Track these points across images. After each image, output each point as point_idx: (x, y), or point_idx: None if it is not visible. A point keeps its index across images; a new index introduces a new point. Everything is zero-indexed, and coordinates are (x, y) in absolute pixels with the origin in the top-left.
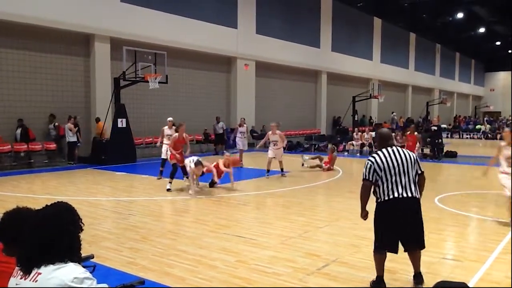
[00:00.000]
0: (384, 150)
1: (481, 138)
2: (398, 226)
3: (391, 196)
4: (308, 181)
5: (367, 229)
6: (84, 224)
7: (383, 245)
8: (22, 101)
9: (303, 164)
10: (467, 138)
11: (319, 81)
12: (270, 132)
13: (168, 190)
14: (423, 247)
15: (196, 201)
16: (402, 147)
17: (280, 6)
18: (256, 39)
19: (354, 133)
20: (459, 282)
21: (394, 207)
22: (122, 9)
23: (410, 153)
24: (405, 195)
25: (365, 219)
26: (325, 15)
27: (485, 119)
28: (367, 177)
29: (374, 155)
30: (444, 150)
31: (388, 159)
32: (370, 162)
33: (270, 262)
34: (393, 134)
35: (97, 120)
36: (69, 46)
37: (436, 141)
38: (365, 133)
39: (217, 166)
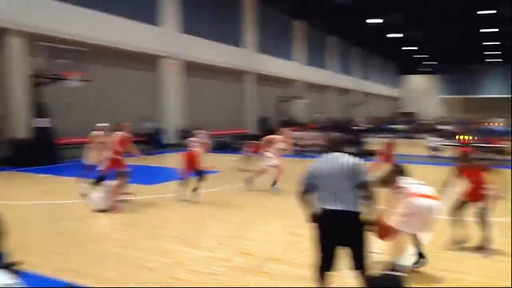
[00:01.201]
0: (327, 155)
1: (399, 138)
2: (331, 241)
3: (323, 207)
4: (240, 180)
5: (300, 227)
6: (4, 232)
7: (320, 262)
8: None
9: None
10: (385, 137)
11: (246, 82)
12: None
13: (84, 195)
14: (360, 268)
15: (128, 203)
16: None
17: (206, 6)
18: (183, 38)
19: (280, 133)
20: (394, 275)
21: (324, 220)
22: (39, 4)
23: (355, 161)
24: (337, 207)
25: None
26: (249, 17)
27: (402, 119)
28: (301, 184)
29: (315, 160)
30: (365, 149)
31: (327, 165)
32: (308, 168)
33: (206, 262)
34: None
35: None
36: None
37: (360, 141)
38: (291, 133)
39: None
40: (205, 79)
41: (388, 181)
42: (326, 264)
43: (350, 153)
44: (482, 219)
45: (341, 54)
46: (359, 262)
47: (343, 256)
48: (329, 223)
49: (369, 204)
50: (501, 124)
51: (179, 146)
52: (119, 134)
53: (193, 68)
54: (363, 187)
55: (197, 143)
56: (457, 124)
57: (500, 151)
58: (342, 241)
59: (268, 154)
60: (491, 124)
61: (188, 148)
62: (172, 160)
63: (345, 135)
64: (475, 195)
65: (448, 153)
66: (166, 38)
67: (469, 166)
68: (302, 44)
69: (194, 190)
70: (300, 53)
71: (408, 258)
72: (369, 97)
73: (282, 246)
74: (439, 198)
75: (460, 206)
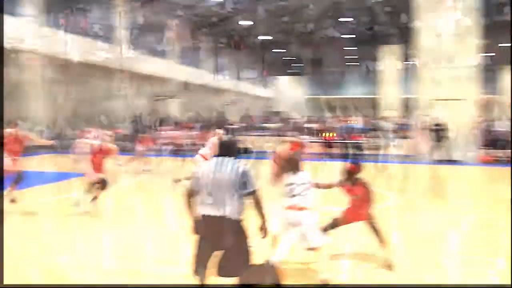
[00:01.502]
0: (215, 158)
1: (271, 136)
2: (211, 245)
3: (202, 213)
4: (124, 181)
5: (183, 229)
6: None
7: (194, 267)
8: None
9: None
10: (258, 136)
11: (119, 80)
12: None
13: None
14: (237, 272)
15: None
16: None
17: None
18: (45, 31)
19: (158, 133)
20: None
21: (203, 225)
22: None
23: (244, 168)
24: (217, 213)
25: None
26: (121, 12)
27: (273, 118)
28: (187, 187)
29: (202, 163)
30: (242, 148)
31: (212, 170)
32: (195, 171)
33: (79, 270)
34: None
35: None
36: None
37: (237, 140)
38: (168, 133)
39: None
40: (73, 77)
41: (279, 176)
42: (204, 266)
43: (236, 157)
44: (376, 233)
45: (215, 54)
46: (236, 267)
47: (220, 261)
48: (210, 229)
49: (256, 211)
50: (357, 122)
51: (43, 148)
52: (12, 132)
53: (59, 65)
54: (251, 195)
55: (99, 145)
56: (322, 123)
57: (358, 147)
58: (220, 246)
59: (198, 158)
60: (351, 122)
61: (84, 150)
62: (36, 164)
63: (231, 137)
64: (357, 214)
65: (315, 149)
66: (26, 31)
67: (353, 184)
68: (177, 43)
69: (93, 197)
70: (175, 52)
71: (280, 254)
72: (242, 97)
73: (165, 247)
74: (308, 208)
75: (336, 224)
